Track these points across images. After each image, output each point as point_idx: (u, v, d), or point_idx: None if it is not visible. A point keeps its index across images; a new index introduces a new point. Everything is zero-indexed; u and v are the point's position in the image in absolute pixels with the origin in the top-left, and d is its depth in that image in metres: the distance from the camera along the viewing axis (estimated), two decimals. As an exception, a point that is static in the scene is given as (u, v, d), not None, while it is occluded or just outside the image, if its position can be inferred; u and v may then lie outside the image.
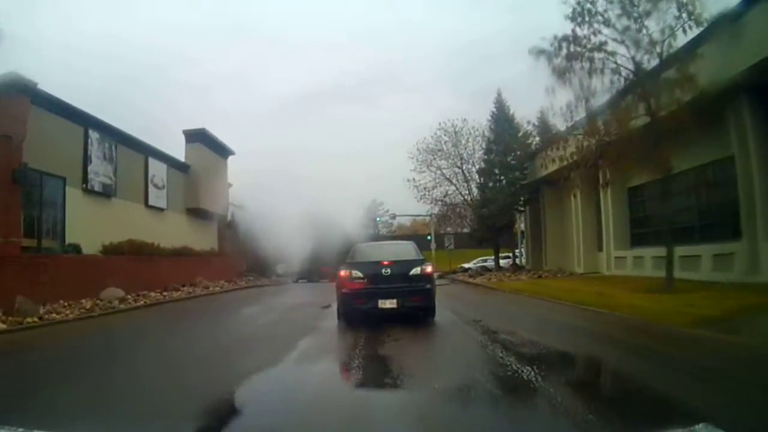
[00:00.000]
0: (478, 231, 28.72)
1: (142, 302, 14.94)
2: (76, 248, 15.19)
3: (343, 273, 9.00)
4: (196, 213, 25.62)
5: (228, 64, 69.92)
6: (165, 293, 17.48)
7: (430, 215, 35.47)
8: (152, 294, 16.61)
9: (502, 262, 30.88)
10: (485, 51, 72.25)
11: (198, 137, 25.73)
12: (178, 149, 25.40)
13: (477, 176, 29.64)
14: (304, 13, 78.61)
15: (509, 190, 27.57)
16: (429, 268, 9.12)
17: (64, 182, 15.85)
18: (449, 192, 30.59)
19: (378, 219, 61.96)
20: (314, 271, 31.38)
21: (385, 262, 8.88)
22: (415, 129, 62.11)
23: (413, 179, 30.37)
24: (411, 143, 30.75)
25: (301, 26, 77.40)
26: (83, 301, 13.48)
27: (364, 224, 63.57)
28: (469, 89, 71.27)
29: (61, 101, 15.42)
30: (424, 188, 30.42)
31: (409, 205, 69.88)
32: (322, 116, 64.72)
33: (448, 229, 34.84)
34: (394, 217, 56.62)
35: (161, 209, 22.26)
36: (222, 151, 28.57)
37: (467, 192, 30.19)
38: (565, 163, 14.21)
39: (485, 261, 35.73)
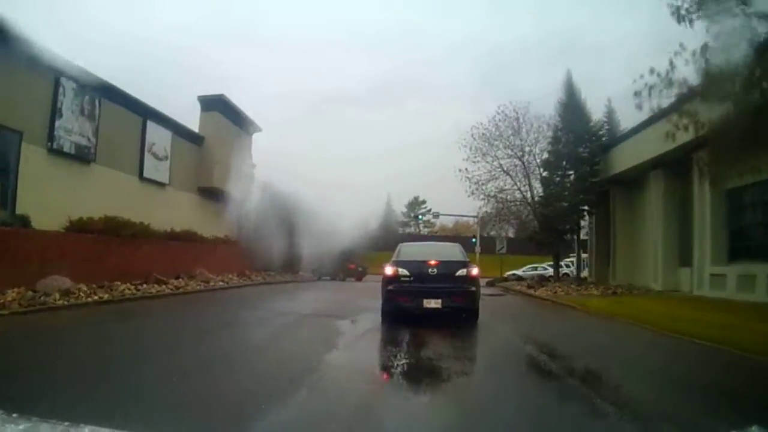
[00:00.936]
0: (539, 233, 23.87)
1: (96, 297, 11.29)
2: (23, 220, 11.73)
3: (389, 271, 8.90)
4: (209, 193, 22.05)
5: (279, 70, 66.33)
6: (143, 286, 13.86)
7: (477, 216, 30.99)
8: (122, 286, 12.94)
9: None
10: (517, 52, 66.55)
11: (216, 105, 22.06)
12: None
13: (540, 169, 24.88)
14: (305, 16, 74.73)
15: (578, 186, 22.79)
16: (475, 271, 8.95)
17: (20, 138, 12.51)
18: (505, 187, 25.95)
19: (420, 218, 57.81)
20: (341, 269, 27.79)
21: (432, 262, 8.77)
22: (453, 126, 57.64)
23: (465, 169, 25.87)
24: (451, 139, 26.41)
25: (308, 28, 73.47)
26: (10, 291, 9.96)
27: (401, 222, 59.55)
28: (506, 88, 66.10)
29: (19, 35, 11.94)
30: (477, 181, 25.87)
31: (451, 204, 65.17)
32: (349, 118, 60.45)
33: (492, 232, 30.48)
34: (436, 216, 52.26)
35: (162, 184, 18.75)
36: (245, 124, 24.95)
37: (526, 188, 25.47)
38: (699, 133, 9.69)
39: (535, 269, 31.42)
